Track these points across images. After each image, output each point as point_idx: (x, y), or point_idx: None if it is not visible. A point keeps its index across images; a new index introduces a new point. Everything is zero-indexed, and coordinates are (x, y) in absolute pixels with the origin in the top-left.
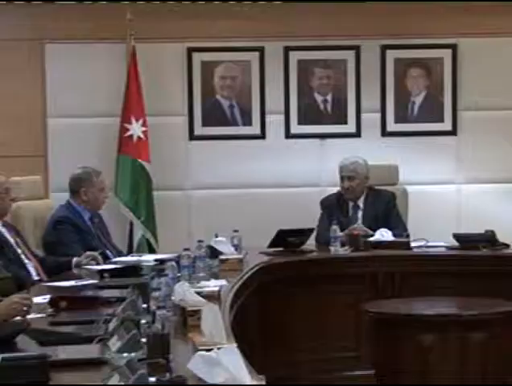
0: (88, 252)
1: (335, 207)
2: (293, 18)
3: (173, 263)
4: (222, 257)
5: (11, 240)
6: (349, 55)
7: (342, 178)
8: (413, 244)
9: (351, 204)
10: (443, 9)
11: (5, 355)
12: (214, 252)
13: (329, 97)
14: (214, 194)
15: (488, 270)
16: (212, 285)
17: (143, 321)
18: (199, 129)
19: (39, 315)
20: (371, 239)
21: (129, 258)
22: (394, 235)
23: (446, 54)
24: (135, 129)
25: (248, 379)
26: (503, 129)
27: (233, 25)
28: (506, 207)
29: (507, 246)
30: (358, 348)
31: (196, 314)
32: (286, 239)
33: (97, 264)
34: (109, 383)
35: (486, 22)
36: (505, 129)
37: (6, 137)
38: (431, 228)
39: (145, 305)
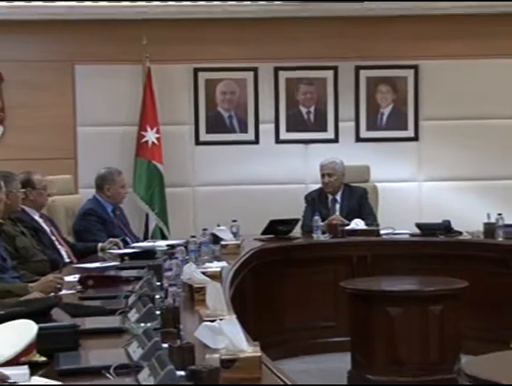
0: (111, 239)
1: (317, 201)
2: (282, 43)
3: (182, 248)
4: (223, 243)
5: (47, 229)
6: (329, 74)
7: (323, 175)
8: (382, 232)
9: (330, 198)
10: (406, 35)
11: (42, 325)
12: (216, 239)
13: (312, 109)
14: (216, 190)
15: (444, 253)
16: (215, 266)
17: (157, 296)
18: (203, 136)
19: (69, 291)
20: (347, 227)
21: (145, 243)
22: (366, 224)
23: (409, 73)
24: (150, 135)
25: (245, 346)
26: (457, 135)
27: (232, 49)
28: (460, 201)
29: (460, 233)
30: (336, 319)
31: (202, 290)
32: (277, 227)
33: (119, 248)
34: (129, 348)
35: (442, 47)
36: (459, 135)
37: (42, 142)
38: (397, 218)
39: (159, 283)
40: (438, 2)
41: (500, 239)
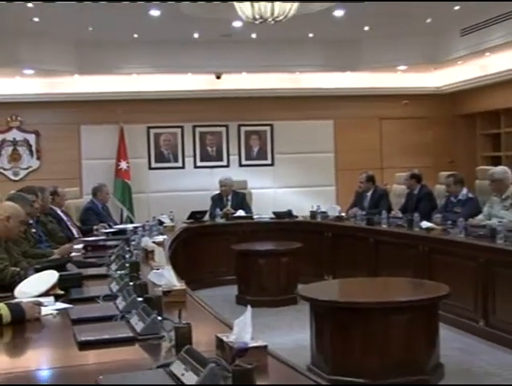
0: (101, 224)
1: (217, 200)
2: (197, 112)
3: (141, 228)
4: (165, 225)
5: (65, 218)
6: (223, 129)
7: (221, 186)
8: (254, 217)
9: (225, 199)
10: (266, 108)
11: (61, 273)
12: (161, 222)
13: (214, 149)
14: (161, 195)
15: (288, 228)
16: (160, 238)
17: (127, 255)
18: (153, 164)
19: (78, 253)
20: (235, 215)
21: (120, 226)
22: (245, 212)
23: (268, 129)
24: (123, 165)
25: (176, 283)
26: (295, 162)
27: (168, 116)
28: (297, 199)
29: (297, 217)
30: (229, 266)
31: (152, 252)
32: (195, 215)
33: (105, 229)
34: (111, 285)
35: (285, 114)
36: (296, 162)
37: (62, 169)
38: (262, 209)
39: (128, 248)
40: (284, 89)
41: (319, 219)
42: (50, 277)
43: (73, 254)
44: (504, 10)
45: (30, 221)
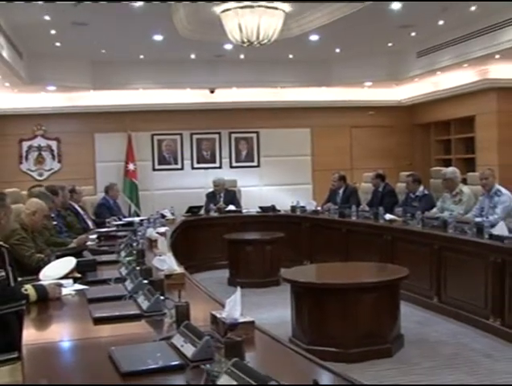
0: (113, 217)
1: (211, 197)
2: (194, 121)
3: (146, 221)
4: (166, 218)
5: (82, 212)
6: (216, 136)
7: (214, 186)
8: (243, 211)
9: (217, 195)
10: (253, 117)
11: (78, 259)
12: (163, 216)
13: (208, 152)
14: (163, 192)
15: (272, 220)
16: (163, 229)
17: (134, 244)
18: (156, 166)
19: (92, 242)
20: (226, 209)
21: (129, 219)
22: (236, 207)
23: (254, 135)
24: (131, 166)
25: (176, 267)
26: (278, 164)
27: (169, 124)
28: (280, 195)
29: (279, 211)
30: (222, 252)
31: (156, 241)
32: (192, 210)
33: (116, 221)
34: (120, 269)
35: (269, 123)
36: (278, 164)
37: (79, 171)
38: (250, 204)
39: (134, 238)
40: (269, 102)
41: (298, 213)
42: (69, 262)
43: (89, 243)
44: (452, 37)
45: (52, 214)
